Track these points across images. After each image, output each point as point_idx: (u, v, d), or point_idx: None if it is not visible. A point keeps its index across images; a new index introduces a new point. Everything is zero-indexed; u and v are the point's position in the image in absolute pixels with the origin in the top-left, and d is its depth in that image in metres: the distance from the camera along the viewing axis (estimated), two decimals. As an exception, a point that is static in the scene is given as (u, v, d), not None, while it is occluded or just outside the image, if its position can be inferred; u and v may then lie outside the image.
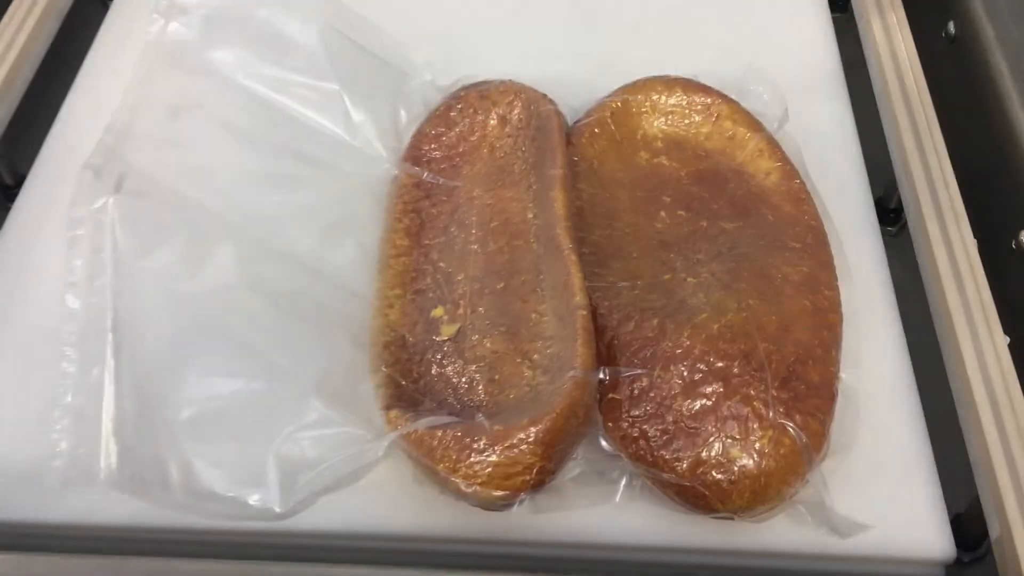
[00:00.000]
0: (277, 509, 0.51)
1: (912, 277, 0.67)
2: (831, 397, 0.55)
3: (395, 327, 0.60)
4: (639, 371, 0.54)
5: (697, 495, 0.52)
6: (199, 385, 0.53)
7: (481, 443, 0.51)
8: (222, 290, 0.56)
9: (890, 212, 0.74)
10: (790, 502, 0.53)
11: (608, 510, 0.54)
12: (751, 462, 0.52)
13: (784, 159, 0.66)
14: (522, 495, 0.51)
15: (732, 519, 0.53)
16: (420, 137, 0.70)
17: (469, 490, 0.51)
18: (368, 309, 0.61)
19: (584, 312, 0.55)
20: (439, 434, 0.52)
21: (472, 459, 0.51)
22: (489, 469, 0.50)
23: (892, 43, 0.73)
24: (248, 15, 0.68)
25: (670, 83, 0.69)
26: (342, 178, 0.66)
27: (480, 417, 0.53)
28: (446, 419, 0.53)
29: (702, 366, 0.54)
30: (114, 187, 0.58)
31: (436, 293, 0.62)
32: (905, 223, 0.72)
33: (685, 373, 0.54)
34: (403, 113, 0.71)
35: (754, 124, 0.68)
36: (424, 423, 0.52)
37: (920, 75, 0.73)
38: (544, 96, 0.68)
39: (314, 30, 0.68)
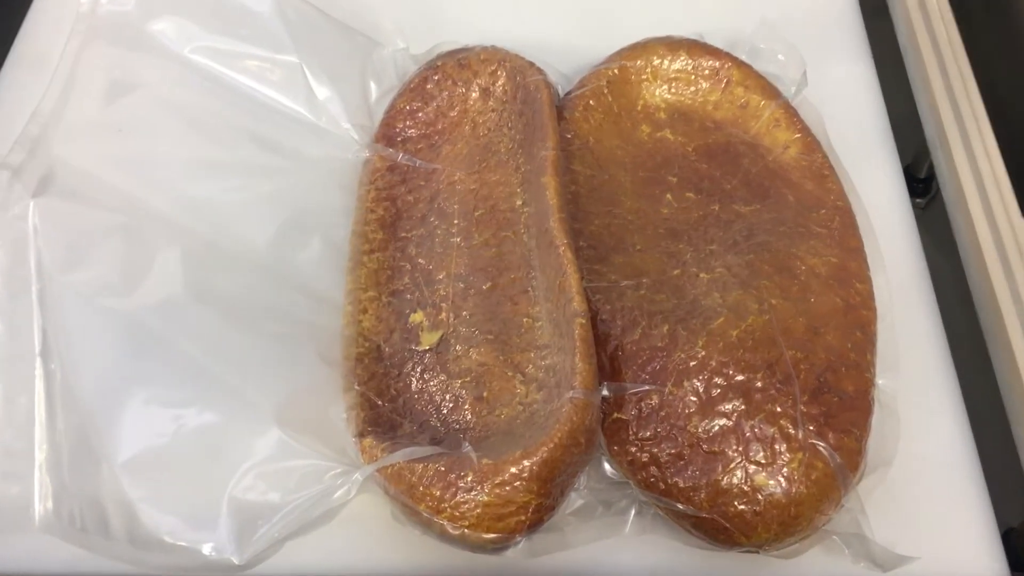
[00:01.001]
0: (235, 560, 0.44)
1: (947, 258, 0.60)
2: (867, 409, 0.48)
3: (369, 335, 0.53)
4: (648, 387, 0.47)
5: (717, 528, 0.46)
6: (142, 417, 0.46)
7: (468, 479, 0.44)
8: (166, 304, 0.48)
9: (919, 182, 0.67)
10: (823, 532, 0.47)
11: (616, 545, 0.48)
12: (779, 489, 0.45)
13: (804, 129, 0.58)
14: (517, 537, 0.44)
15: (758, 553, 0.47)
16: (393, 114, 0.62)
17: (456, 532, 0.44)
18: (338, 316, 0.54)
19: (583, 320, 0.48)
20: (420, 468, 0.45)
21: (458, 498, 0.44)
22: (478, 509, 0.44)
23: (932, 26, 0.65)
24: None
25: (673, 45, 0.61)
26: (306, 164, 0.59)
27: (467, 446, 0.46)
28: (427, 450, 0.46)
29: (720, 380, 0.47)
30: (38, 187, 0.50)
31: (415, 295, 0.55)
32: (937, 193, 0.65)
33: (701, 388, 0.47)
34: (373, 87, 0.63)
35: (769, 90, 0.60)
36: (403, 455, 0.46)
37: (951, 21, 0.65)
38: (531, 64, 0.60)
39: (271, -3, 0.60)
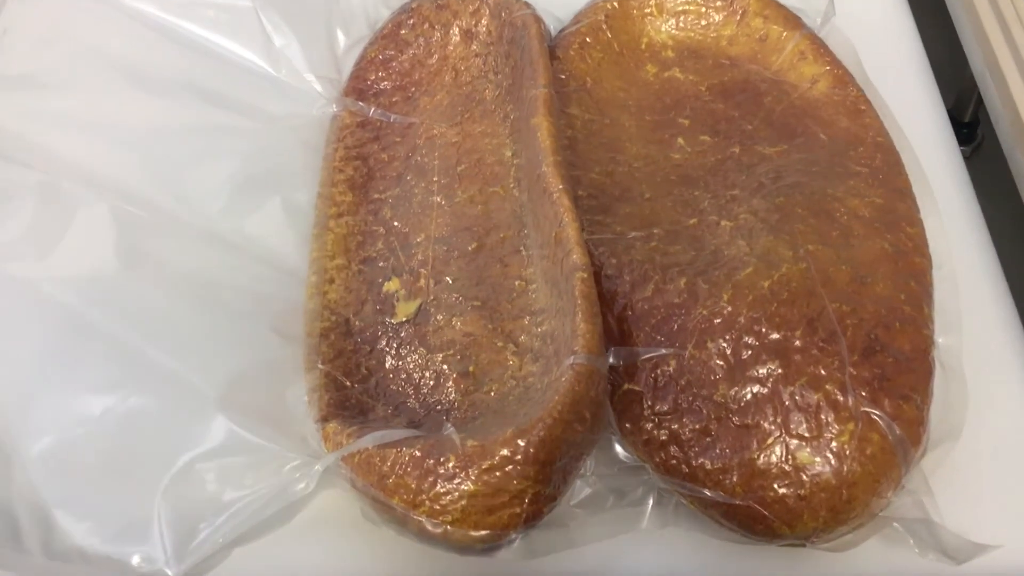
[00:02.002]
0: (170, 572, 0.36)
1: (999, 210, 0.52)
2: (928, 371, 0.40)
3: (336, 308, 0.46)
4: (664, 350, 0.39)
5: (754, 516, 0.38)
6: (58, 405, 0.39)
7: (450, 465, 0.36)
8: (89, 272, 0.41)
9: (963, 127, 0.59)
10: (881, 519, 0.39)
11: (632, 542, 0.39)
12: (827, 468, 0.38)
13: (834, 61, 0.51)
14: (511, 533, 0.36)
15: (804, 546, 0.39)
16: (364, 64, 0.55)
17: (437, 531, 0.36)
18: (300, 288, 0.46)
19: (584, 275, 0.40)
20: (392, 455, 0.37)
21: (439, 488, 0.36)
22: (463, 501, 0.36)
23: None
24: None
25: (679, -26, 0.53)
26: (263, 120, 0.51)
27: (449, 428, 0.38)
28: (401, 432, 0.38)
29: (751, 339, 0.39)
30: (-64, 140, 0.43)
31: (389, 261, 0.47)
32: (982, 142, 0.57)
33: (728, 350, 0.39)
34: (341, 37, 0.56)
35: (792, 20, 0.52)
36: (371, 439, 0.38)
37: None
38: (517, -1, 0.53)
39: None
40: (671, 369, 0.39)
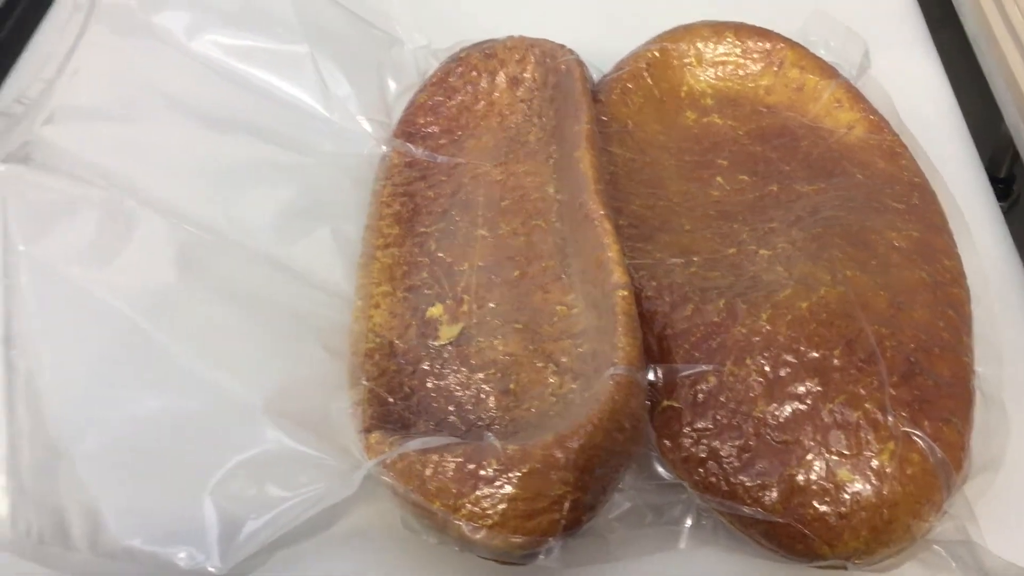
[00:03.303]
0: (213, 570, 0.37)
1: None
2: (968, 397, 0.40)
3: (381, 331, 0.47)
4: (703, 367, 0.40)
5: (794, 535, 0.38)
6: (113, 406, 0.40)
7: (491, 470, 0.36)
8: (147, 283, 0.42)
9: (998, 182, 0.60)
10: (923, 542, 0.38)
11: (670, 560, 0.39)
12: (868, 487, 0.38)
13: (869, 109, 0.52)
14: (550, 540, 0.37)
15: (844, 568, 0.38)
16: (414, 110, 0.57)
17: (477, 536, 0.36)
18: (346, 311, 0.47)
19: (625, 292, 0.41)
20: (434, 459, 0.38)
21: (480, 491, 0.36)
22: (503, 506, 0.36)
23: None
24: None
25: (719, 28, 0.56)
26: (315, 158, 0.53)
27: (490, 436, 0.39)
28: (443, 439, 0.39)
29: (790, 357, 0.40)
30: (8, 157, 0.45)
31: (434, 289, 0.48)
32: (1019, 198, 0.58)
33: (767, 367, 0.40)
34: (392, 84, 0.58)
35: (828, 70, 0.54)
36: (414, 445, 0.38)
37: None
38: (562, 46, 0.55)
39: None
40: (710, 386, 0.40)
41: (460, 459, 0.37)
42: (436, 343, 0.46)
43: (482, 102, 0.57)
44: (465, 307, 0.47)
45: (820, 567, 0.39)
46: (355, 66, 0.57)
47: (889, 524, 0.37)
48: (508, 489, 0.36)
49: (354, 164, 0.54)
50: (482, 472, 0.37)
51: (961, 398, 0.40)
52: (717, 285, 0.43)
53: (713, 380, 0.40)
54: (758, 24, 0.57)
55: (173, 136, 0.51)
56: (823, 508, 0.38)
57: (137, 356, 0.41)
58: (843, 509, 0.37)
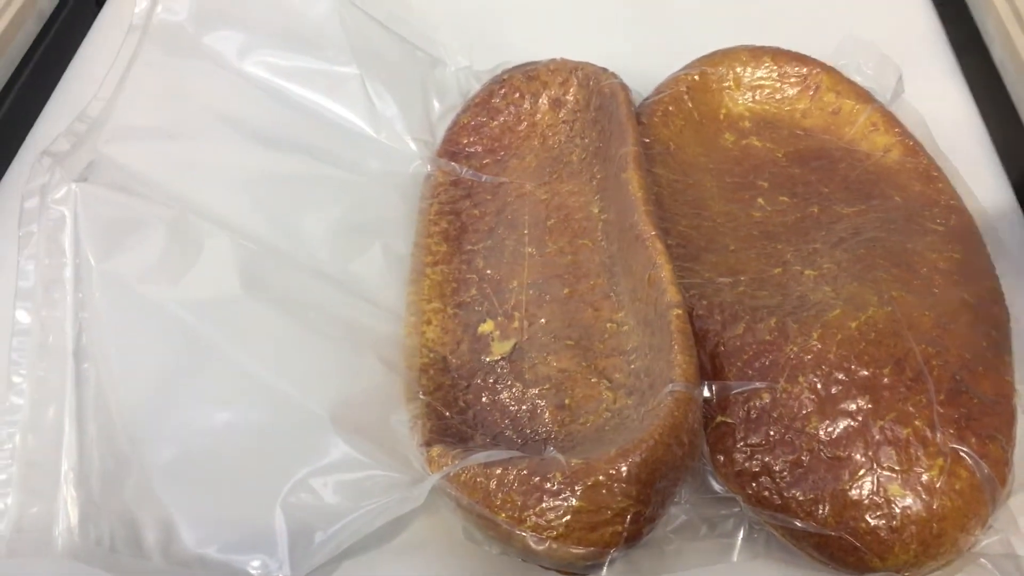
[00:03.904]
0: (283, 577, 0.38)
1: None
2: (1011, 415, 0.42)
3: (433, 347, 0.48)
4: (757, 384, 0.41)
5: (846, 548, 0.39)
6: (183, 417, 0.41)
7: (556, 483, 0.38)
8: (215, 297, 0.43)
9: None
10: (969, 555, 0.40)
11: (723, 572, 0.41)
12: (918, 501, 0.39)
13: (904, 133, 0.54)
14: (612, 552, 0.38)
15: (893, 581, 0.39)
16: (457, 130, 0.59)
17: (541, 547, 0.38)
18: (399, 325, 0.49)
19: (679, 311, 0.42)
20: (499, 473, 0.39)
21: (545, 503, 0.38)
22: (568, 518, 0.37)
23: (1015, 6, 0.61)
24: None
25: (756, 52, 0.57)
26: (364, 176, 0.55)
27: (551, 450, 0.40)
28: (505, 453, 0.40)
29: (841, 375, 0.41)
30: (79, 175, 0.46)
31: (483, 306, 0.50)
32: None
33: (819, 384, 0.41)
34: (436, 104, 0.60)
35: (863, 94, 0.56)
36: (479, 458, 0.40)
37: None
38: (604, 70, 0.57)
39: (329, 6, 0.57)
40: (763, 403, 0.41)
41: (525, 472, 0.38)
42: (489, 359, 0.47)
43: (525, 123, 0.58)
44: (516, 323, 0.48)
45: (870, 580, 0.40)
46: (400, 87, 0.58)
47: (938, 538, 0.39)
48: (573, 502, 0.37)
49: (400, 182, 0.56)
50: (547, 485, 0.38)
51: (1005, 415, 0.41)
52: (766, 304, 0.44)
53: (767, 397, 0.41)
54: (791, 47, 0.58)
55: (228, 154, 0.53)
56: (875, 522, 0.39)
57: (206, 368, 0.42)
58: (894, 523, 0.39)
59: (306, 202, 0.52)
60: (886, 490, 0.39)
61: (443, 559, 0.41)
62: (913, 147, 0.53)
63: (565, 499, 0.37)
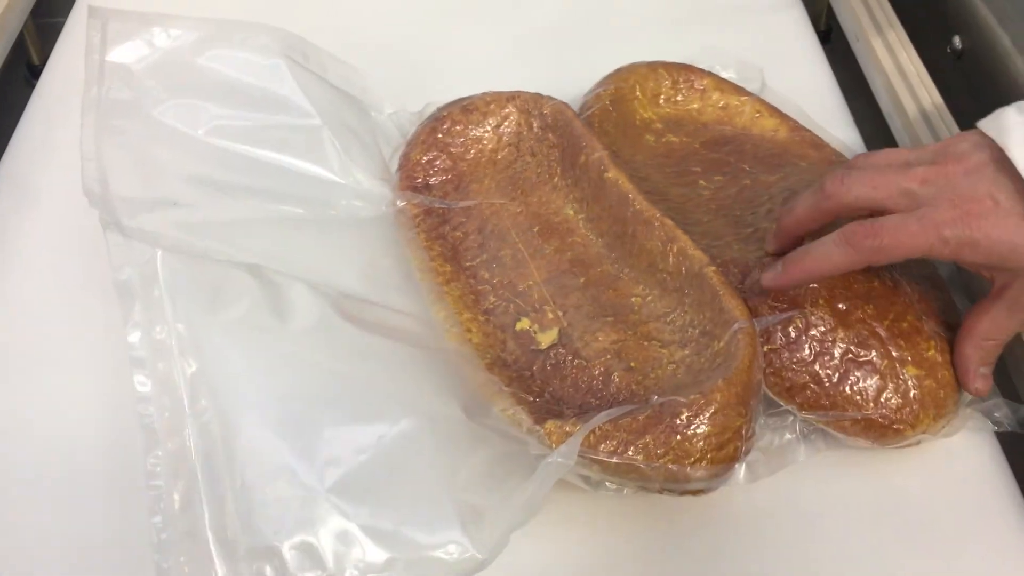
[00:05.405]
0: (480, 556, 0.42)
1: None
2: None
3: (484, 350, 0.53)
4: (793, 312, 0.50)
5: (886, 425, 0.49)
6: (337, 440, 0.43)
7: (684, 416, 0.45)
8: (318, 329, 0.46)
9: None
10: (963, 411, 0.51)
11: (799, 470, 0.49)
12: (929, 375, 0.50)
13: (784, 115, 0.66)
14: (736, 464, 0.46)
15: (918, 443, 0.50)
16: (411, 166, 0.63)
17: (682, 472, 0.44)
18: (448, 337, 0.53)
19: (712, 267, 0.51)
20: (625, 424, 0.45)
21: (679, 435, 0.44)
22: (701, 443, 0.44)
23: (898, 60, 0.71)
24: (194, 59, 0.59)
25: (652, 66, 0.68)
26: (352, 217, 0.58)
27: (655, 399, 0.47)
28: (620, 409, 0.46)
29: (846, 292, 0.51)
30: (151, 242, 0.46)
31: (511, 308, 0.55)
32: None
33: (839, 303, 0.51)
34: (383, 147, 0.64)
35: (740, 90, 0.68)
36: (601, 417, 0.45)
37: (935, 92, 0.68)
38: (540, 95, 0.64)
39: (279, 65, 0.60)
40: (800, 325, 0.50)
41: (652, 417, 0.45)
42: (540, 348, 0.53)
43: (472, 150, 0.64)
44: (551, 315, 0.54)
45: (901, 447, 0.50)
46: (350, 134, 0.62)
47: (945, 400, 0.50)
48: (703, 428, 0.44)
49: (381, 217, 0.60)
50: (677, 421, 0.45)
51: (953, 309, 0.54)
52: (764, 254, 0.54)
53: (799, 322, 0.50)
54: (660, 57, 0.69)
55: (231, 212, 0.54)
56: (902, 399, 0.49)
57: (338, 391, 0.44)
58: (916, 394, 0.49)
59: (318, 244, 0.55)
60: (905, 371, 0.50)
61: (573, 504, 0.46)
62: (795, 125, 0.65)
63: (696, 428, 0.44)
